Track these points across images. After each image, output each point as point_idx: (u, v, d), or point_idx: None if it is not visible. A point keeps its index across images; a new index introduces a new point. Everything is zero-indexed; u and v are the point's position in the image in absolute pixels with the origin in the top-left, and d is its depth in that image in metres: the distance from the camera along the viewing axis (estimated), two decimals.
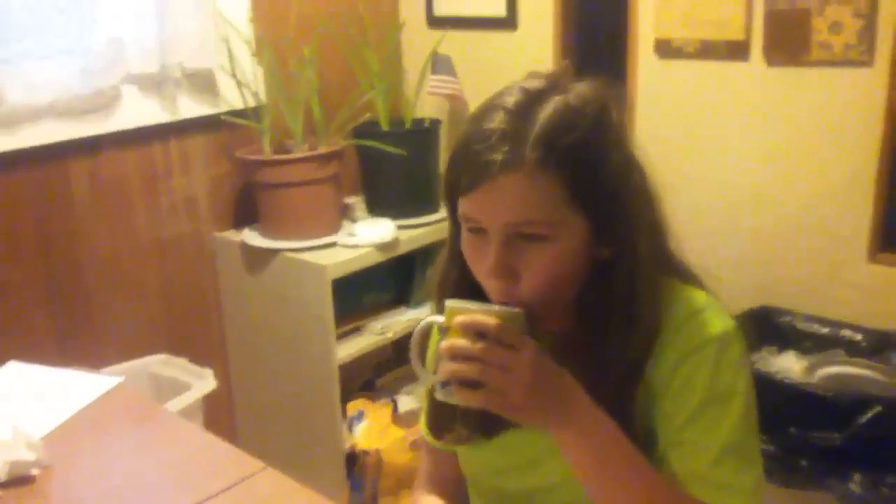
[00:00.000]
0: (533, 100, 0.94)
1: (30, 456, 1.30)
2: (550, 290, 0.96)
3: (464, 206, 0.96)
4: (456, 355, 0.87)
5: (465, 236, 0.99)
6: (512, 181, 0.91)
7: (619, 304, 0.98)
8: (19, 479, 1.28)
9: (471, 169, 0.93)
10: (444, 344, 0.88)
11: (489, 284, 0.97)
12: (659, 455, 0.99)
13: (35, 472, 1.30)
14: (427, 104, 2.68)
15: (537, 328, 0.94)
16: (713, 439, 0.97)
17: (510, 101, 0.94)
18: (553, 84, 0.97)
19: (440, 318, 0.92)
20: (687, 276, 1.06)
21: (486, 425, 1.08)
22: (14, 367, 1.67)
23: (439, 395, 0.91)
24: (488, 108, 0.95)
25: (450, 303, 0.92)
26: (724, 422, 0.97)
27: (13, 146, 2.00)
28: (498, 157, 0.90)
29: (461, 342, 0.87)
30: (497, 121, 0.92)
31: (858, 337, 2.09)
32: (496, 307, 0.92)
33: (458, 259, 1.03)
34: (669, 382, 0.99)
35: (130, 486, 1.30)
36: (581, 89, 0.97)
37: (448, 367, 0.87)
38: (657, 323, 0.99)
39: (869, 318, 2.10)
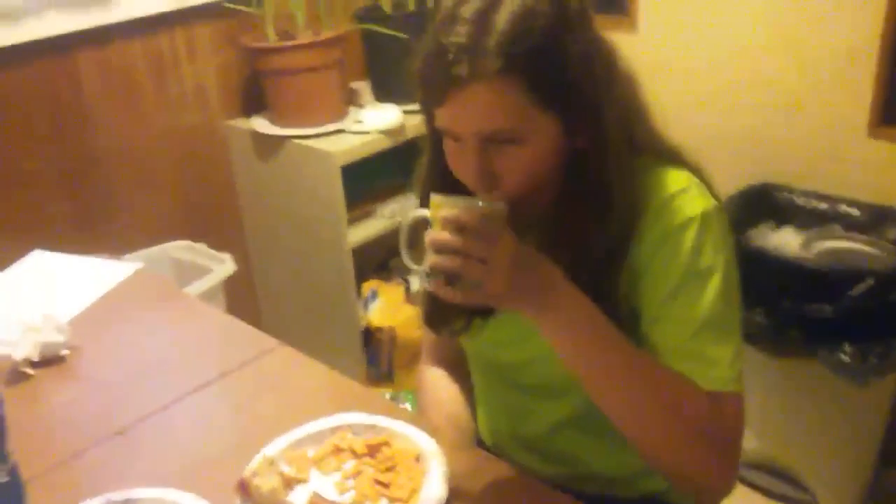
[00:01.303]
0: (489, 6, 0.93)
1: (59, 338, 1.39)
2: (531, 186, 0.99)
3: (438, 117, 0.99)
4: (438, 248, 0.90)
5: (446, 143, 1.02)
6: (477, 93, 0.93)
7: (596, 189, 1.01)
8: (50, 360, 1.38)
9: (437, 84, 0.95)
10: (428, 236, 0.92)
11: (472, 187, 1.01)
12: (642, 334, 1.03)
13: (64, 352, 1.39)
14: None
15: (521, 219, 0.96)
16: (693, 314, 1.00)
17: (467, 10, 0.94)
18: None
19: (426, 212, 0.95)
20: (670, 156, 1.07)
21: (479, 315, 1.15)
22: (39, 256, 1.74)
23: (425, 285, 0.95)
24: (447, 20, 0.95)
25: (434, 197, 0.94)
26: (704, 297, 1.00)
27: (19, 39, 2.01)
28: (460, 71, 0.92)
29: (442, 235, 0.90)
30: (456, 34, 0.93)
31: (856, 212, 2.11)
32: (479, 202, 0.94)
33: (437, 158, 1.06)
34: (651, 262, 1.01)
35: (153, 363, 1.40)
36: None
37: (430, 260, 0.91)
38: (636, 205, 1.01)
39: (867, 192, 2.11)
